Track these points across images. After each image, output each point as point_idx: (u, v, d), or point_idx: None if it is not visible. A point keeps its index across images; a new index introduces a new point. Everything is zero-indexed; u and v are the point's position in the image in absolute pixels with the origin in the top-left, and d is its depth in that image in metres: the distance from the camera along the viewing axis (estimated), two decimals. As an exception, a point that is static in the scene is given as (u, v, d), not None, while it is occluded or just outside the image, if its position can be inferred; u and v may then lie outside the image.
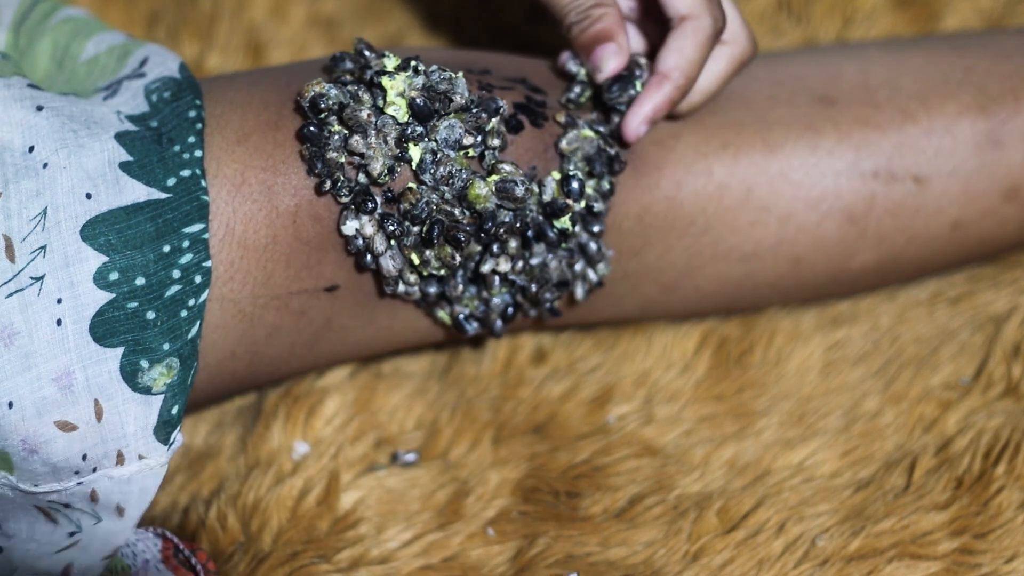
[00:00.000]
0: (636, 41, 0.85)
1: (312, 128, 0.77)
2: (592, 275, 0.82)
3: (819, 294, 0.91)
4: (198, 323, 0.76)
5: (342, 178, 0.77)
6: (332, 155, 0.77)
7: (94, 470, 0.75)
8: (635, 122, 0.81)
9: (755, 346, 0.92)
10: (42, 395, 0.73)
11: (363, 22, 1.06)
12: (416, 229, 0.78)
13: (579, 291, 0.83)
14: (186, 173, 0.76)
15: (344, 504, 0.85)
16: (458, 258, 0.78)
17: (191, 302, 0.76)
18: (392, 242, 0.78)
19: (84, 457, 0.74)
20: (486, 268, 0.79)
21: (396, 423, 0.89)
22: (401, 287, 0.80)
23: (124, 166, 0.76)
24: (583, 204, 0.80)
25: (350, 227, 0.78)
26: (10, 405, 0.73)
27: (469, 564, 0.83)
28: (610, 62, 0.81)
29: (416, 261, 0.79)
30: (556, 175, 0.79)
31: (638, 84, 0.81)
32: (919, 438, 0.88)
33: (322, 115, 0.77)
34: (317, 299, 0.80)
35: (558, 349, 0.92)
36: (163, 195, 0.76)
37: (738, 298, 0.89)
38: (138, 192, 0.75)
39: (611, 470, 0.87)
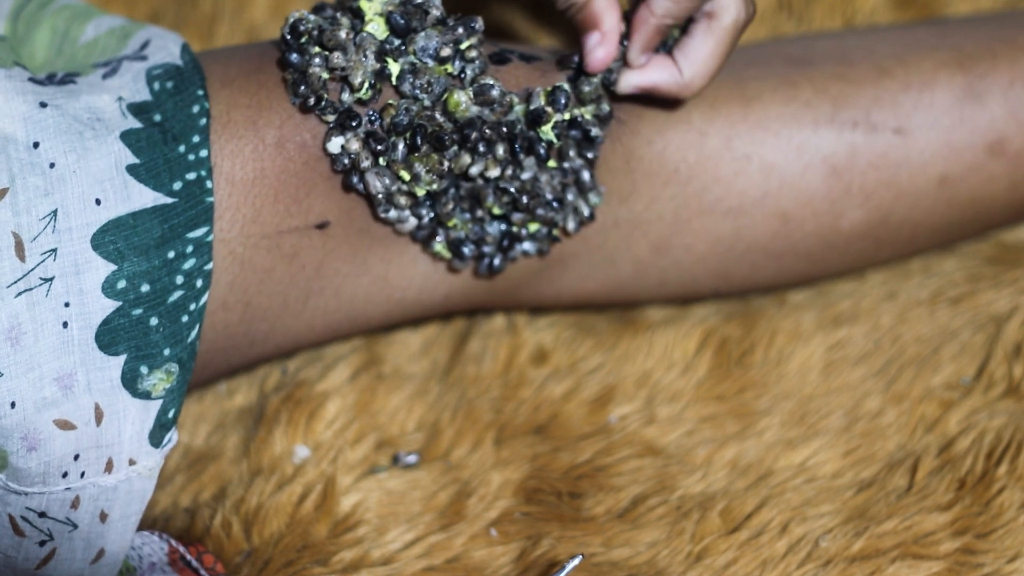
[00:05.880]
0: None
1: (294, 55, 0.78)
2: (584, 208, 0.83)
3: (814, 263, 0.90)
4: (197, 327, 0.76)
5: (326, 97, 0.78)
6: (314, 71, 0.77)
7: (82, 475, 0.75)
8: (631, 83, 0.81)
9: (756, 346, 0.92)
10: (43, 395, 0.73)
11: (362, 22, 1.06)
12: (401, 146, 0.78)
13: (571, 224, 0.83)
14: (192, 176, 0.76)
15: (344, 507, 0.85)
16: (446, 164, 0.78)
17: (192, 306, 0.76)
18: (380, 160, 0.78)
19: (76, 457, 0.74)
20: (474, 170, 0.79)
21: (397, 425, 0.89)
22: (393, 212, 0.80)
23: (131, 169, 0.75)
24: (567, 116, 0.80)
25: (335, 144, 0.78)
26: (12, 405, 0.73)
27: (472, 565, 0.83)
28: (595, 54, 0.80)
29: (407, 177, 0.79)
30: (546, 89, 0.80)
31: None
32: (921, 438, 0.88)
33: (302, 40, 0.78)
34: (309, 239, 0.80)
35: (559, 349, 0.92)
36: (169, 200, 0.76)
37: (731, 263, 0.88)
38: (145, 198, 0.75)
39: (613, 470, 0.87)
